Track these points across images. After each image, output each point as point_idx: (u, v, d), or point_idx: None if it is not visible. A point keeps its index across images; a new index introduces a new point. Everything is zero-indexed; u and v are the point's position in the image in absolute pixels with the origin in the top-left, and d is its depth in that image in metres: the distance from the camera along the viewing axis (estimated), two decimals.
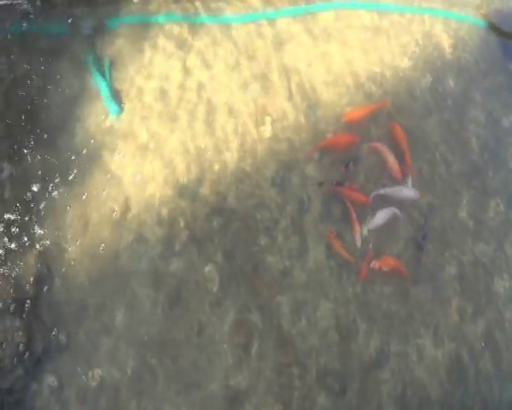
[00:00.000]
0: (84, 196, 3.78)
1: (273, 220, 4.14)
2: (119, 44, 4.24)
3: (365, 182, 4.44)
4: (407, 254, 4.39)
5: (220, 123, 4.25)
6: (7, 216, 3.57)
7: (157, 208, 3.90)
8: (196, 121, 4.20)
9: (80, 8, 4.23)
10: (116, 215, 3.80)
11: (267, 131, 4.34)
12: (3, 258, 3.48)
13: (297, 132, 4.42)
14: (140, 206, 3.87)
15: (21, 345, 3.34)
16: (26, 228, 3.59)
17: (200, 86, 4.31)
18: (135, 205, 3.86)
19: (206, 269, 3.88)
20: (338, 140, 4.50)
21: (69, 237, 3.67)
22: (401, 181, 4.45)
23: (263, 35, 4.67)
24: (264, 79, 4.51)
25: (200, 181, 4.05)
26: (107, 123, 4.00)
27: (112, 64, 4.17)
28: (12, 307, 3.39)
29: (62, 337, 3.47)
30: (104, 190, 3.83)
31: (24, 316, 3.40)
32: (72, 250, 3.64)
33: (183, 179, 4.02)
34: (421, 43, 5.28)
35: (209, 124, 4.22)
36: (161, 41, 4.35)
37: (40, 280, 3.51)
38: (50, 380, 3.39)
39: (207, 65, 4.41)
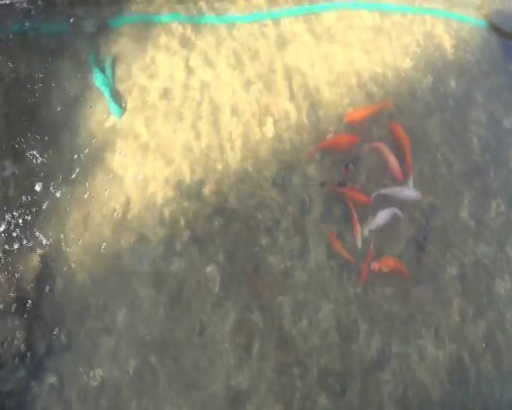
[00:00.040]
0: (85, 196, 3.78)
1: (274, 221, 4.14)
2: (121, 44, 4.24)
3: (366, 182, 4.43)
4: (408, 254, 4.38)
5: (222, 123, 4.25)
6: (9, 215, 3.57)
7: (158, 208, 3.90)
8: (198, 121, 4.20)
9: (82, 7, 4.23)
10: (118, 215, 3.80)
11: (269, 131, 4.34)
12: (5, 258, 3.47)
13: (299, 132, 4.42)
14: (141, 206, 3.87)
15: (23, 345, 3.34)
16: (27, 227, 3.59)
17: (203, 86, 4.31)
18: (136, 205, 3.86)
19: (208, 269, 3.88)
20: (339, 140, 4.50)
21: (71, 236, 3.67)
22: (402, 181, 4.45)
23: (265, 35, 4.67)
24: (266, 78, 4.50)
25: (201, 181, 4.05)
26: (109, 122, 4.00)
27: (114, 63, 4.17)
28: (13, 306, 3.39)
29: (63, 337, 3.47)
30: (106, 189, 3.83)
31: (25, 316, 3.40)
32: (74, 250, 3.64)
33: (185, 179, 4.02)
34: (422, 43, 5.28)
35: (211, 123, 4.22)
36: (164, 40, 4.35)
37: (41, 280, 3.51)
38: (51, 380, 3.40)
39: (210, 65, 4.41)
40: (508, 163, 5.13)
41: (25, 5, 4.12)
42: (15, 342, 3.32)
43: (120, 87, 4.14)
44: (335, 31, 4.91)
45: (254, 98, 4.42)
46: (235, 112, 4.32)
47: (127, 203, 3.84)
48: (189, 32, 4.48)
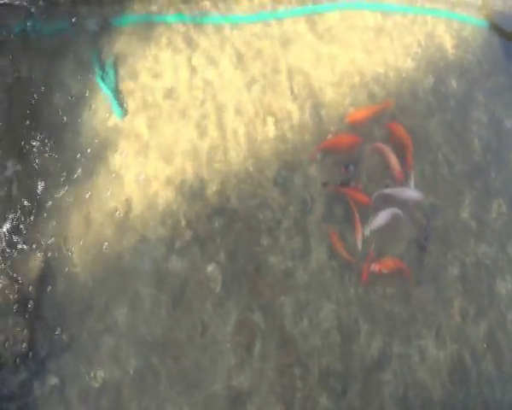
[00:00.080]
0: (87, 196, 3.77)
1: (276, 221, 4.14)
2: (123, 43, 4.23)
3: (368, 182, 4.43)
4: (409, 254, 4.38)
5: (224, 122, 4.25)
6: (11, 215, 3.57)
7: (160, 208, 3.90)
8: (200, 121, 4.19)
9: (84, 6, 4.22)
10: (119, 215, 3.80)
11: (271, 130, 4.34)
12: (6, 257, 3.47)
13: (300, 132, 4.42)
14: (143, 206, 3.86)
15: (24, 345, 3.34)
16: (29, 227, 3.59)
17: (205, 86, 4.31)
18: (138, 205, 3.86)
19: (209, 269, 3.88)
20: (340, 141, 4.50)
21: (72, 236, 3.67)
22: (402, 182, 4.45)
23: (268, 35, 4.65)
24: (268, 78, 4.50)
25: (203, 181, 4.05)
26: (111, 122, 3.99)
27: (116, 63, 4.17)
28: (15, 306, 3.39)
29: (65, 337, 3.47)
30: (108, 189, 3.82)
31: (27, 316, 3.40)
32: (76, 250, 3.64)
33: (186, 179, 4.02)
34: (423, 43, 5.27)
35: (213, 123, 4.22)
36: (166, 40, 4.34)
37: (43, 280, 3.51)
38: (53, 380, 3.40)
39: (212, 64, 4.40)
40: (509, 163, 5.13)
41: (26, 5, 4.11)
42: (17, 342, 3.33)
43: (123, 87, 4.13)
44: (337, 31, 4.91)
45: (256, 98, 4.42)
46: (237, 111, 4.32)
47: (129, 203, 3.84)
48: (191, 31, 4.47)
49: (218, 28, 4.57)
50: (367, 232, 4.26)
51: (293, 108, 4.49)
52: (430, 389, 4.08)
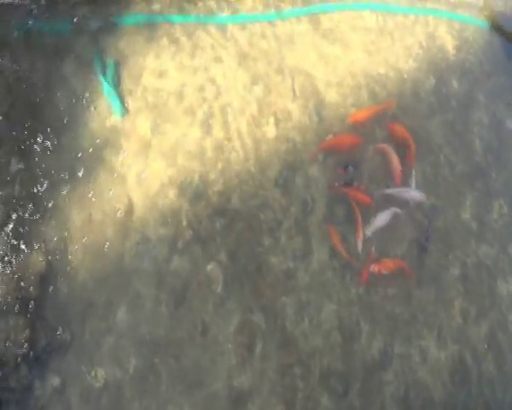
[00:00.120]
0: (88, 195, 3.77)
1: (277, 221, 4.14)
2: (125, 43, 4.23)
3: (369, 183, 4.43)
4: (410, 255, 4.39)
5: (224, 123, 4.25)
6: (12, 215, 3.57)
7: (161, 208, 3.89)
8: (201, 121, 4.19)
9: (85, 6, 4.22)
10: (120, 214, 3.79)
11: (271, 131, 4.34)
12: (8, 257, 3.47)
13: (301, 133, 4.42)
14: (144, 205, 3.86)
15: (25, 344, 3.33)
16: (30, 227, 3.58)
17: (207, 86, 4.31)
18: (139, 204, 3.86)
19: (210, 269, 3.88)
20: (341, 141, 4.50)
21: (74, 236, 3.66)
22: (400, 186, 4.43)
23: (267, 35, 4.66)
24: (268, 79, 4.50)
25: (204, 181, 4.05)
26: (112, 122, 3.99)
27: (117, 63, 4.16)
28: (16, 306, 3.38)
29: (66, 337, 3.46)
30: (110, 189, 3.82)
31: (28, 315, 3.40)
32: (77, 249, 3.63)
33: (187, 179, 4.02)
34: (425, 44, 5.29)
35: (214, 123, 4.22)
36: (166, 40, 4.34)
37: (44, 279, 3.50)
38: (54, 379, 3.38)
39: (212, 65, 4.40)
40: (510, 164, 5.15)
41: (27, 4, 4.11)
42: (18, 342, 3.32)
43: (124, 87, 4.13)
44: (338, 31, 4.92)
45: (257, 98, 4.42)
46: (238, 112, 4.32)
47: (130, 203, 3.83)
48: (191, 32, 4.47)
49: (220, 28, 4.57)
50: (368, 233, 4.26)
51: (294, 108, 4.50)
52: (431, 390, 4.08)
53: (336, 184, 4.33)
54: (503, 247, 4.76)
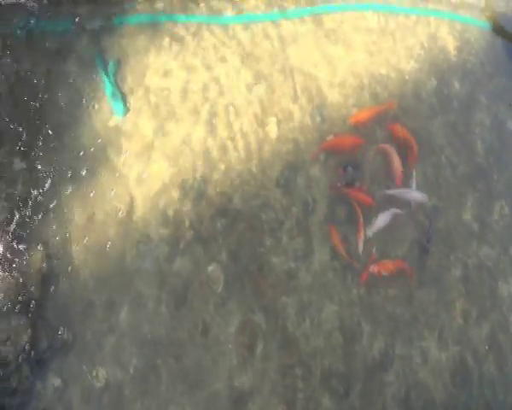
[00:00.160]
0: (90, 195, 3.77)
1: (278, 221, 4.14)
2: (125, 44, 4.22)
3: (371, 183, 4.43)
4: (412, 256, 4.38)
5: (226, 123, 4.24)
6: (14, 214, 3.57)
7: (162, 208, 3.89)
8: (202, 121, 4.19)
9: (87, 6, 4.21)
10: (122, 214, 3.79)
11: (273, 131, 4.34)
12: (9, 256, 3.47)
13: (303, 133, 4.42)
14: (146, 205, 3.86)
15: (27, 344, 3.33)
16: (32, 226, 3.57)
17: (206, 86, 4.30)
18: (140, 204, 3.85)
19: (211, 269, 3.88)
20: (342, 142, 4.50)
21: (75, 235, 3.66)
22: (401, 186, 4.42)
23: (269, 36, 4.66)
24: (270, 79, 4.50)
25: (205, 181, 4.04)
26: (114, 122, 3.98)
27: (118, 63, 4.16)
28: (18, 306, 3.38)
29: (67, 337, 3.46)
30: (111, 188, 3.81)
31: (29, 315, 3.39)
32: (78, 249, 3.63)
33: (189, 179, 4.01)
34: (426, 45, 5.28)
35: (215, 124, 4.21)
36: (167, 41, 4.33)
37: (46, 279, 3.49)
38: (55, 379, 3.38)
39: (213, 65, 4.39)
40: (511, 165, 5.13)
41: (29, 3, 4.11)
42: (19, 342, 3.31)
43: (125, 86, 4.12)
44: (340, 32, 4.91)
45: (258, 98, 4.42)
46: (238, 112, 4.32)
47: (131, 203, 3.83)
48: (192, 32, 4.47)
49: (222, 28, 4.56)
50: (369, 234, 4.25)
51: (295, 108, 4.50)
52: (432, 391, 4.09)
53: (338, 184, 4.32)
54: (504, 248, 4.77)
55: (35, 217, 3.60)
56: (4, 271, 3.42)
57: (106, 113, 4.00)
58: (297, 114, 4.46)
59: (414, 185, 4.49)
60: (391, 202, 4.33)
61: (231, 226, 4.01)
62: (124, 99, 4.06)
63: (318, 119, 4.50)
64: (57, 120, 3.86)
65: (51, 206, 3.66)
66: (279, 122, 4.38)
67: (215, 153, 4.14)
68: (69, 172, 3.76)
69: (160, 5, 4.47)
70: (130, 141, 3.98)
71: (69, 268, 3.58)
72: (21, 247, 3.51)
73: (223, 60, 4.44)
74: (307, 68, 4.65)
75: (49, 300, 3.49)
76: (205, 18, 4.55)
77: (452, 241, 4.59)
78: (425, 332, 4.22)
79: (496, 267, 4.67)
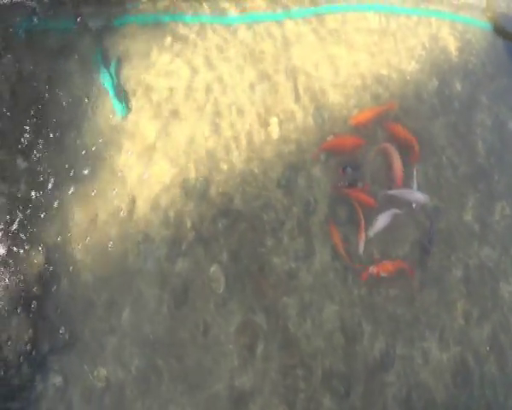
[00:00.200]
0: (91, 195, 3.77)
1: (279, 222, 4.13)
2: (126, 43, 4.23)
3: (372, 184, 4.43)
4: (413, 257, 4.38)
5: (228, 123, 4.24)
6: (16, 214, 3.57)
7: (164, 208, 3.89)
8: (204, 121, 4.19)
9: (89, 6, 4.22)
10: (123, 214, 3.79)
11: (274, 132, 4.34)
12: (11, 256, 3.47)
13: (304, 134, 4.42)
14: (147, 205, 3.86)
15: (28, 344, 3.33)
16: (34, 226, 3.58)
17: (208, 86, 4.30)
18: (142, 204, 3.86)
19: (212, 270, 3.87)
20: (343, 142, 4.50)
21: (76, 235, 3.66)
22: (402, 186, 4.42)
23: (271, 36, 4.66)
24: (271, 79, 4.50)
25: (207, 182, 4.04)
26: (115, 122, 3.99)
27: (119, 63, 4.17)
28: (19, 305, 3.39)
29: (68, 336, 3.47)
30: (112, 188, 3.82)
31: (31, 315, 3.40)
32: (80, 249, 3.63)
33: (190, 180, 4.02)
34: (427, 45, 5.28)
35: (216, 124, 4.22)
36: (170, 40, 4.34)
37: (47, 279, 3.51)
38: (56, 379, 3.39)
39: (215, 65, 4.40)
40: None
41: (31, 3, 4.12)
42: (20, 341, 3.32)
43: (126, 86, 4.13)
44: (341, 32, 4.91)
45: (260, 99, 4.41)
46: (240, 112, 4.32)
47: (133, 203, 3.83)
48: (194, 32, 4.47)
49: (221, 29, 4.56)
50: (370, 234, 4.25)
51: (297, 109, 4.49)
52: (433, 391, 4.08)
53: (341, 183, 4.32)
54: (506, 249, 4.76)
55: (37, 217, 3.61)
56: (6, 270, 3.42)
57: (108, 112, 4.00)
58: (299, 115, 4.45)
59: (415, 186, 4.48)
60: (392, 202, 4.32)
61: (232, 227, 4.01)
62: (126, 99, 4.07)
63: (320, 119, 4.49)
64: (59, 119, 3.87)
65: (53, 206, 3.67)
66: (281, 122, 4.38)
67: (217, 153, 4.14)
68: (71, 172, 3.77)
69: (161, 5, 4.47)
70: (132, 141, 3.99)
71: (70, 268, 3.59)
72: (23, 246, 3.51)
73: (224, 59, 4.44)
74: (309, 68, 4.65)
75: (51, 300, 3.50)
76: (208, 18, 4.55)
77: (453, 241, 4.59)
78: (426, 333, 4.21)
79: (497, 268, 4.66)
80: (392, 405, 3.94)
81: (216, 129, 4.20)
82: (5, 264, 3.44)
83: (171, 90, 4.22)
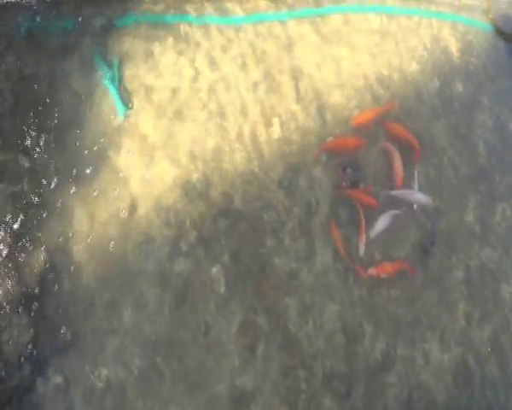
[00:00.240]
0: (93, 195, 3.77)
1: (280, 222, 4.13)
2: (128, 43, 4.23)
3: (373, 184, 4.42)
4: (414, 257, 4.37)
5: (229, 124, 4.24)
6: (18, 213, 3.57)
7: (165, 209, 3.90)
8: (205, 122, 4.19)
9: (90, 6, 4.23)
10: (124, 214, 3.80)
11: (275, 132, 4.34)
12: (12, 255, 3.47)
13: (305, 134, 4.42)
14: (148, 206, 3.86)
15: (29, 344, 3.33)
16: (35, 225, 3.59)
17: (210, 87, 4.30)
18: (143, 205, 3.86)
19: (213, 270, 3.87)
20: (344, 142, 4.50)
21: (78, 235, 3.67)
22: (402, 187, 4.42)
23: (272, 36, 4.65)
24: (272, 80, 4.50)
25: (207, 182, 4.05)
26: (116, 122, 3.99)
27: (121, 63, 4.17)
28: (20, 305, 3.39)
29: (69, 336, 3.47)
30: (114, 188, 3.82)
31: (32, 315, 3.40)
32: (81, 249, 3.64)
33: (191, 180, 4.02)
34: (428, 46, 5.27)
35: (217, 124, 4.22)
36: (171, 41, 4.34)
37: (48, 279, 3.51)
38: (57, 378, 3.40)
39: (216, 65, 4.40)
40: None
41: (32, 3, 4.12)
42: (21, 341, 3.32)
43: (127, 86, 4.13)
44: (342, 33, 4.91)
45: (261, 99, 4.41)
46: (241, 113, 4.32)
47: (134, 203, 3.84)
48: (195, 32, 4.47)
49: (222, 29, 4.57)
50: (372, 235, 4.24)
51: (297, 109, 4.49)
52: (434, 392, 4.08)
53: (343, 184, 4.31)
54: (506, 250, 4.76)
55: (39, 216, 3.61)
56: (7, 270, 3.42)
57: (108, 113, 4.01)
58: (299, 115, 4.45)
59: (416, 186, 4.48)
60: (394, 203, 4.32)
61: (233, 227, 4.01)
62: (127, 99, 4.07)
63: (320, 120, 4.49)
64: (60, 119, 3.88)
65: (55, 205, 3.67)
66: (282, 123, 4.38)
67: (217, 153, 4.15)
68: (73, 172, 3.77)
69: (162, 6, 4.48)
70: (134, 141, 3.99)
71: (72, 268, 3.59)
72: (25, 246, 3.52)
73: (226, 60, 4.44)
74: (311, 69, 4.64)
75: (52, 300, 3.50)
76: (211, 18, 4.55)
77: (454, 242, 4.59)
78: (427, 334, 4.20)
79: (498, 269, 4.66)
80: (393, 406, 3.93)
81: (217, 129, 4.20)
82: (7, 264, 3.44)
83: (173, 90, 4.23)
